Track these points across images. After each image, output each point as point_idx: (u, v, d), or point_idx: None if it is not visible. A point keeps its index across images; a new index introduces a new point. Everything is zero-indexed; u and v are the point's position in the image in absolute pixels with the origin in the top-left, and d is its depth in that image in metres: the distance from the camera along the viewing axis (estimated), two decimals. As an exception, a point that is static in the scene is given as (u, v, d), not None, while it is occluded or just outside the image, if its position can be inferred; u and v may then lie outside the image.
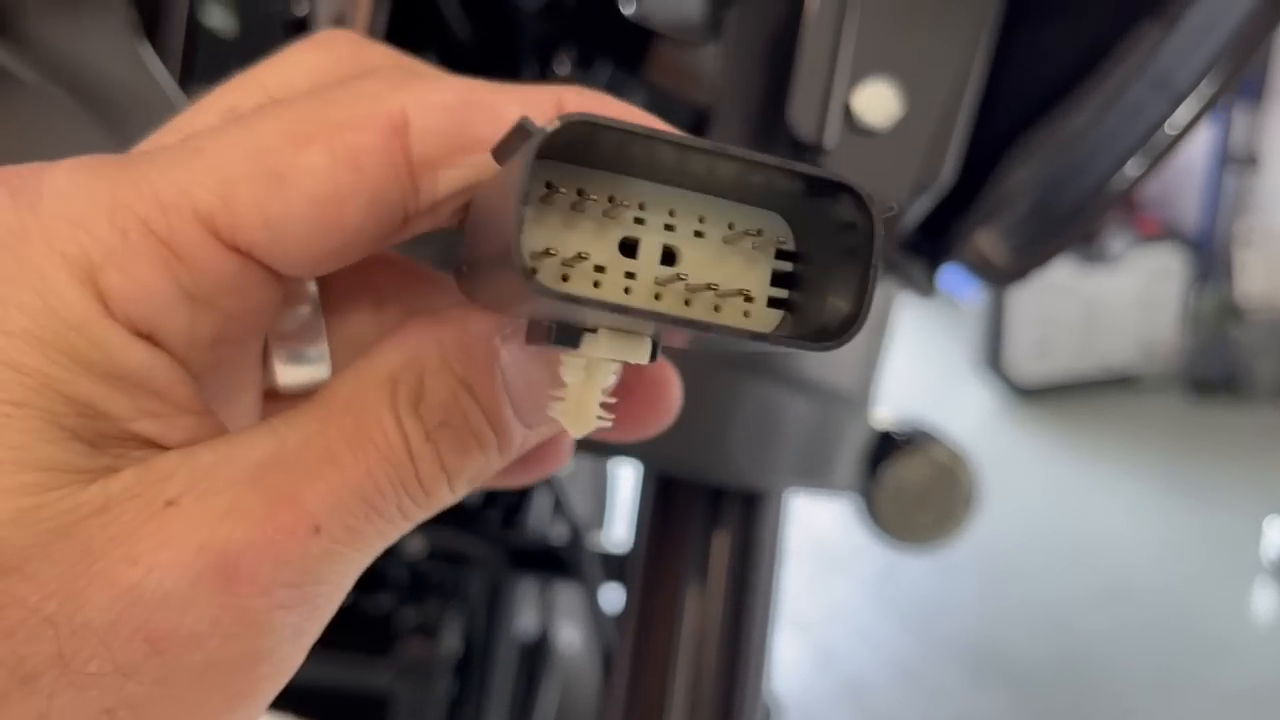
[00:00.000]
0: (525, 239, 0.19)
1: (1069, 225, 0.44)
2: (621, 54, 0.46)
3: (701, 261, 0.21)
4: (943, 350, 2.96)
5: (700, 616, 0.46)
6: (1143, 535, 2.26)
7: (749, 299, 0.21)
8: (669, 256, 0.21)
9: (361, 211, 0.21)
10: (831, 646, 1.96)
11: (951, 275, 0.46)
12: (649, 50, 0.44)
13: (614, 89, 0.50)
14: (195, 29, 0.55)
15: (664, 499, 0.46)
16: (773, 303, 0.21)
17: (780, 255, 0.21)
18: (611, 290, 0.21)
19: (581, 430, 0.23)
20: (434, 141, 0.21)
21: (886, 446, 0.58)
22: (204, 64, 0.59)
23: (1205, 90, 0.43)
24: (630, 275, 0.21)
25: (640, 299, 0.21)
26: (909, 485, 0.61)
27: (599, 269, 0.21)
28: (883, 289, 0.46)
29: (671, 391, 0.28)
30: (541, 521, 0.77)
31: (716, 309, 0.21)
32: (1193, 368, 2.83)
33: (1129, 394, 2.85)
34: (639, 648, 0.46)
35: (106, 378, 0.19)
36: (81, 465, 0.19)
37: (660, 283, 0.21)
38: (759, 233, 0.21)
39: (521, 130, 0.19)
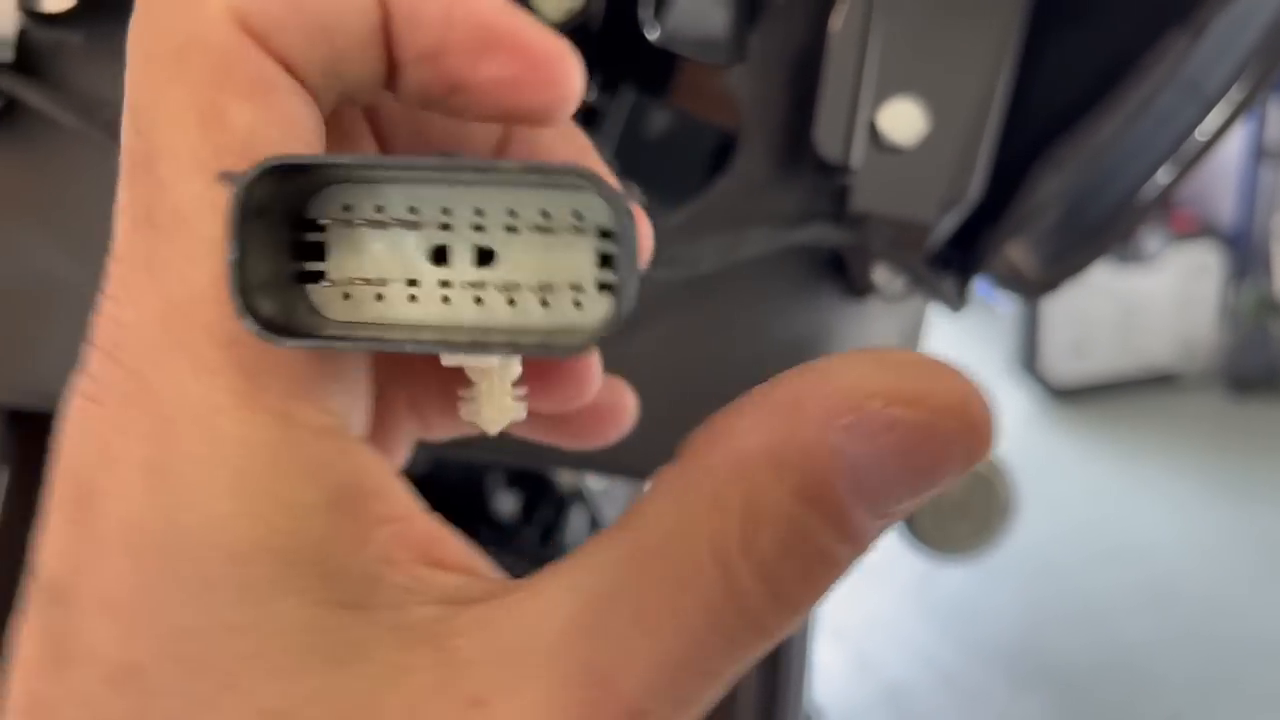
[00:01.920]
0: (251, 287, 0.18)
1: (1100, 235, 0.44)
2: (647, 78, 0.46)
3: (523, 256, 0.20)
4: (977, 353, 2.94)
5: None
6: (1185, 535, 2.23)
7: (578, 288, 0.20)
8: (488, 257, 0.20)
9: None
10: (870, 653, 1.95)
11: (977, 285, 0.46)
12: (674, 74, 0.44)
13: (638, 113, 0.51)
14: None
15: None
16: (606, 287, 0.20)
17: (606, 235, 0.19)
18: (427, 305, 0.20)
19: (494, 426, 0.22)
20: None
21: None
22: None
23: (1236, 95, 0.43)
24: (446, 284, 0.20)
25: (458, 310, 0.20)
26: (946, 496, 0.61)
27: (413, 283, 0.20)
28: (913, 302, 0.46)
29: (586, 385, 0.26)
30: (579, 539, 0.78)
31: (545, 304, 0.20)
32: (1232, 365, 2.79)
33: (1168, 393, 2.81)
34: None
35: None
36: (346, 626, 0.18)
37: (478, 286, 0.20)
38: (579, 215, 0.19)
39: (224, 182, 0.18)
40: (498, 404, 0.22)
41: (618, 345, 0.37)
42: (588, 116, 0.49)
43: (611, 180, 0.18)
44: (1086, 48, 0.42)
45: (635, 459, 0.39)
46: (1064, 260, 0.44)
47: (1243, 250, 2.81)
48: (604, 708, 0.17)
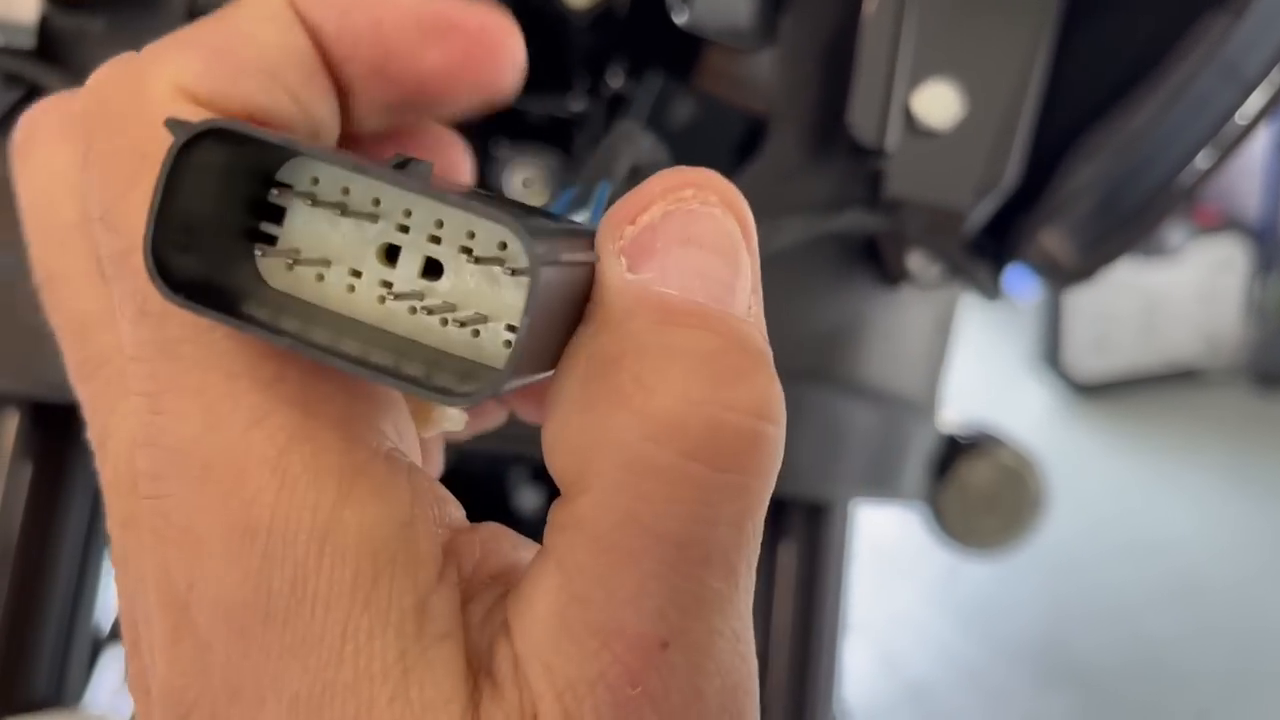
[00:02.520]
0: (173, 246, 0.18)
1: (1137, 222, 0.43)
2: (673, 63, 0.45)
3: (469, 282, 0.19)
4: (999, 349, 2.92)
5: (767, 630, 0.46)
6: (1211, 531, 2.21)
7: (511, 329, 0.19)
8: (436, 270, 0.19)
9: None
10: (894, 651, 1.94)
11: (1010, 273, 0.45)
12: (702, 59, 0.44)
13: (665, 99, 0.50)
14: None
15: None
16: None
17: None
18: (364, 299, 0.19)
19: (426, 430, 0.22)
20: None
21: (951, 451, 0.57)
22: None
23: (1277, 77, 0.42)
24: (388, 285, 0.19)
25: (391, 313, 0.19)
26: (975, 490, 0.60)
27: (356, 273, 0.19)
28: (947, 290, 0.46)
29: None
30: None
31: (476, 334, 0.19)
32: (1257, 360, 2.77)
33: (1192, 388, 2.79)
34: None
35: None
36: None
37: (417, 297, 0.19)
38: (504, 247, 0.19)
39: (170, 128, 0.18)
40: (428, 409, 0.22)
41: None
42: (614, 104, 0.48)
43: (529, 237, 0.17)
44: (1123, 30, 0.41)
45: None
46: (1100, 247, 0.43)
47: (1268, 244, 2.78)
48: (626, 651, 0.17)
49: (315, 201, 0.19)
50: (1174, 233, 2.70)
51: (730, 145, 0.66)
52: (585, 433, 0.18)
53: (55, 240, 0.21)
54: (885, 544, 2.14)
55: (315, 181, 0.19)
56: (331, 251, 0.19)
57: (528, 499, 0.81)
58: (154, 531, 0.19)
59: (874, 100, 0.35)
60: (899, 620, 2.01)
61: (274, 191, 0.19)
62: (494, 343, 0.19)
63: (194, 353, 0.19)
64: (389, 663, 0.18)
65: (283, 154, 0.19)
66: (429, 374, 0.18)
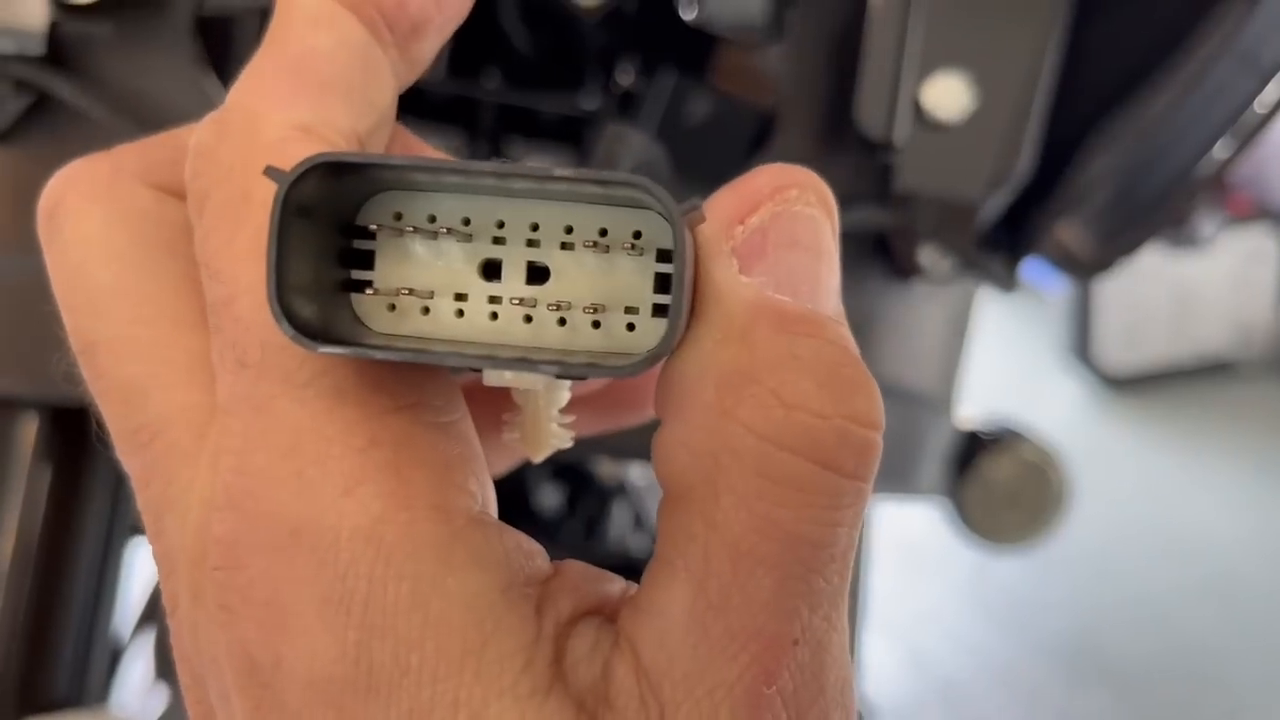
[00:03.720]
0: (290, 290, 0.18)
1: (1155, 213, 0.43)
2: (685, 60, 0.45)
3: (578, 275, 0.19)
4: (1027, 342, 2.90)
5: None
6: (1245, 526, 2.19)
7: (632, 310, 0.19)
8: (541, 275, 0.19)
9: None
10: (923, 649, 1.93)
11: (1034, 266, 0.45)
12: (713, 55, 0.44)
13: (679, 96, 0.50)
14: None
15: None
16: (661, 310, 0.19)
17: (665, 256, 0.19)
18: (475, 320, 0.19)
19: (539, 453, 0.22)
20: None
21: (973, 446, 0.57)
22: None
23: (1296, 65, 0.42)
24: (496, 300, 0.19)
25: (506, 328, 0.19)
26: (998, 485, 0.59)
27: (461, 297, 0.19)
28: (962, 285, 0.45)
29: (638, 394, 0.27)
30: (622, 533, 0.77)
31: (596, 325, 0.19)
32: (1292, 352, 2.73)
33: (1225, 381, 2.76)
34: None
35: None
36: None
37: (529, 304, 0.19)
38: (637, 235, 0.19)
39: (272, 176, 0.18)
40: (543, 430, 0.22)
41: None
42: (624, 101, 0.48)
43: (671, 199, 0.17)
44: (1139, 18, 0.41)
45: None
46: (1117, 239, 0.43)
47: (1301, 234, 2.74)
48: (763, 651, 0.18)
49: (404, 233, 0.19)
50: (1205, 223, 2.67)
51: (744, 141, 0.65)
52: (716, 439, 0.18)
53: (93, 307, 0.21)
54: (913, 540, 2.13)
55: (399, 216, 0.19)
56: (430, 282, 0.19)
57: (548, 497, 0.81)
58: (227, 607, 0.18)
59: (882, 94, 0.35)
60: (927, 617, 2.00)
61: (365, 234, 0.19)
62: (616, 328, 0.19)
63: (289, 411, 0.18)
64: None
65: (374, 186, 0.19)
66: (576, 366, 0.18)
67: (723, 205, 0.19)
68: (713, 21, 0.43)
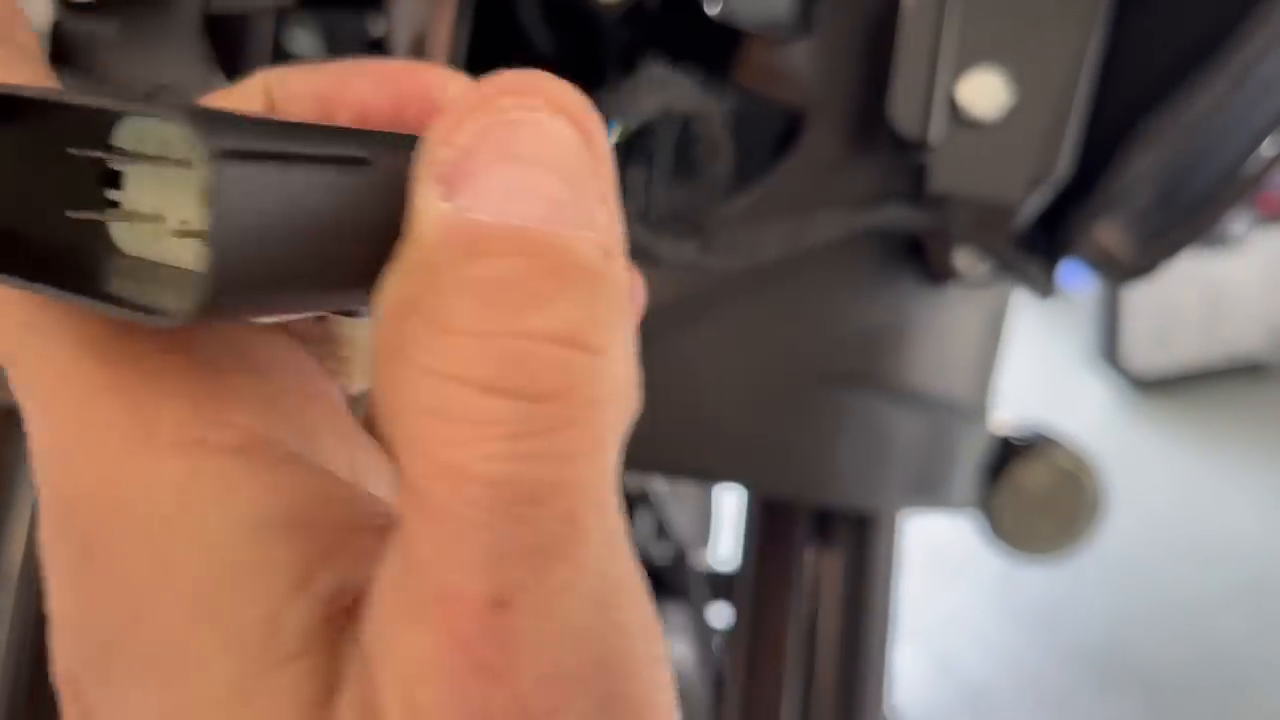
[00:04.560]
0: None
1: (1199, 214, 0.41)
2: (709, 57, 0.44)
3: (144, 187, 0.18)
4: (1055, 344, 2.87)
5: (813, 643, 0.44)
6: (1277, 529, 2.15)
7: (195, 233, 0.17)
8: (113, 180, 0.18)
9: None
10: (951, 654, 1.91)
11: (1067, 267, 0.43)
12: (737, 51, 0.42)
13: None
14: (280, 57, 0.55)
15: (770, 521, 0.44)
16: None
17: None
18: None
19: (355, 385, 0.22)
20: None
21: (1005, 453, 0.55)
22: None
23: (1348, 59, 0.40)
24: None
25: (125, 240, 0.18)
26: (1031, 493, 0.58)
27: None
28: (997, 288, 0.44)
29: None
30: (645, 541, 0.76)
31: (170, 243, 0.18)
32: (1325, 352, 2.69)
33: (1257, 382, 2.72)
34: (751, 680, 0.44)
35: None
36: None
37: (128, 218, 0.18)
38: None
39: None
40: (346, 361, 0.21)
41: (677, 336, 0.35)
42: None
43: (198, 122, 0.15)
44: (1182, 13, 0.39)
45: (701, 460, 0.37)
46: (1160, 241, 0.41)
47: (1335, 233, 2.70)
48: (458, 617, 0.15)
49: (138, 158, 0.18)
50: (1237, 222, 2.63)
51: (771, 141, 0.64)
52: (392, 385, 0.16)
53: None
54: (940, 544, 2.11)
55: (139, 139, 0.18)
56: (158, 205, 0.18)
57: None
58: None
59: (916, 91, 0.34)
60: (955, 622, 1.98)
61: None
62: (186, 251, 0.18)
63: (40, 371, 0.18)
64: (224, 689, 0.16)
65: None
66: (144, 294, 0.17)
67: (432, 128, 0.17)
68: (738, 17, 0.42)
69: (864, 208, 0.34)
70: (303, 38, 0.69)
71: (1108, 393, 2.70)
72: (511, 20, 0.49)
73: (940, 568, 2.08)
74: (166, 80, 0.34)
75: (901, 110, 0.34)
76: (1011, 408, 0.66)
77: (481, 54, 0.50)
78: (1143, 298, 2.65)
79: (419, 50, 0.48)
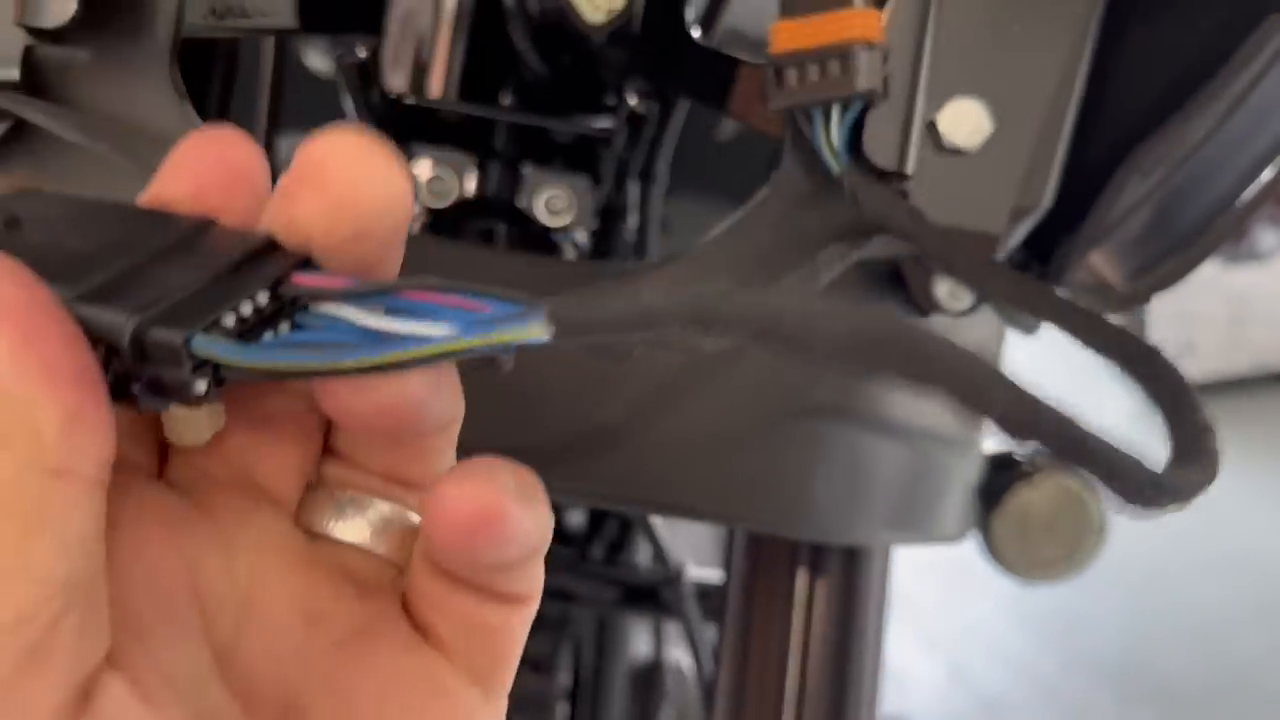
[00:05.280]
0: None
1: (1195, 243, 0.40)
2: (702, 86, 0.43)
3: None
4: (1074, 352, 2.83)
5: (802, 675, 0.44)
6: (1302, 543, 2.13)
7: None
8: None
9: None
10: (966, 664, 1.90)
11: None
12: (732, 81, 0.42)
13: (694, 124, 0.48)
14: (281, 77, 0.54)
15: (758, 546, 0.44)
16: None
17: None
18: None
19: (180, 439, 0.22)
20: None
21: (1005, 470, 0.54)
22: (308, 105, 0.59)
23: (1350, 83, 0.39)
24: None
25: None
26: (1033, 515, 0.57)
27: None
28: (991, 315, 0.43)
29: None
30: (647, 557, 0.75)
31: None
32: (1353, 362, 2.65)
33: (1283, 392, 2.69)
34: (738, 709, 0.44)
35: None
36: None
37: None
38: None
39: None
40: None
41: (650, 368, 0.34)
42: (633, 122, 0.47)
43: None
44: (1178, 34, 0.38)
45: (681, 497, 0.36)
46: (1154, 271, 0.40)
47: (1364, 241, 2.66)
48: None
49: None
50: (1265, 235, 2.60)
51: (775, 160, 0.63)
52: None
53: None
54: (957, 553, 2.08)
55: None
56: None
57: (574, 516, 0.80)
58: None
59: (893, 120, 0.33)
60: (971, 632, 1.96)
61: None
62: None
63: None
64: None
65: None
66: None
67: None
68: (729, 43, 0.41)
69: (850, 240, 0.34)
70: (314, 57, 0.69)
71: (1129, 402, 2.67)
72: (504, 44, 0.49)
73: (956, 576, 2.07)
74: (138, 112, 0.34)
75: (876, 140, 0.33)
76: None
77: (474, 78, 0.49)
78: (1167, 306, 2.62)
79: (419, 73, 0.48)
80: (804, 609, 0.43)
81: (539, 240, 0.52)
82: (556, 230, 0.52)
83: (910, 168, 0.33)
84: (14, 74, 0.33)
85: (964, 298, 0.36)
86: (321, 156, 0.20)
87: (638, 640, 0.86)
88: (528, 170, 0.51)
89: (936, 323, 0.37)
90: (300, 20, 0.40)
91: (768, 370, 0.35)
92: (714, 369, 0.35)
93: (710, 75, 0.43)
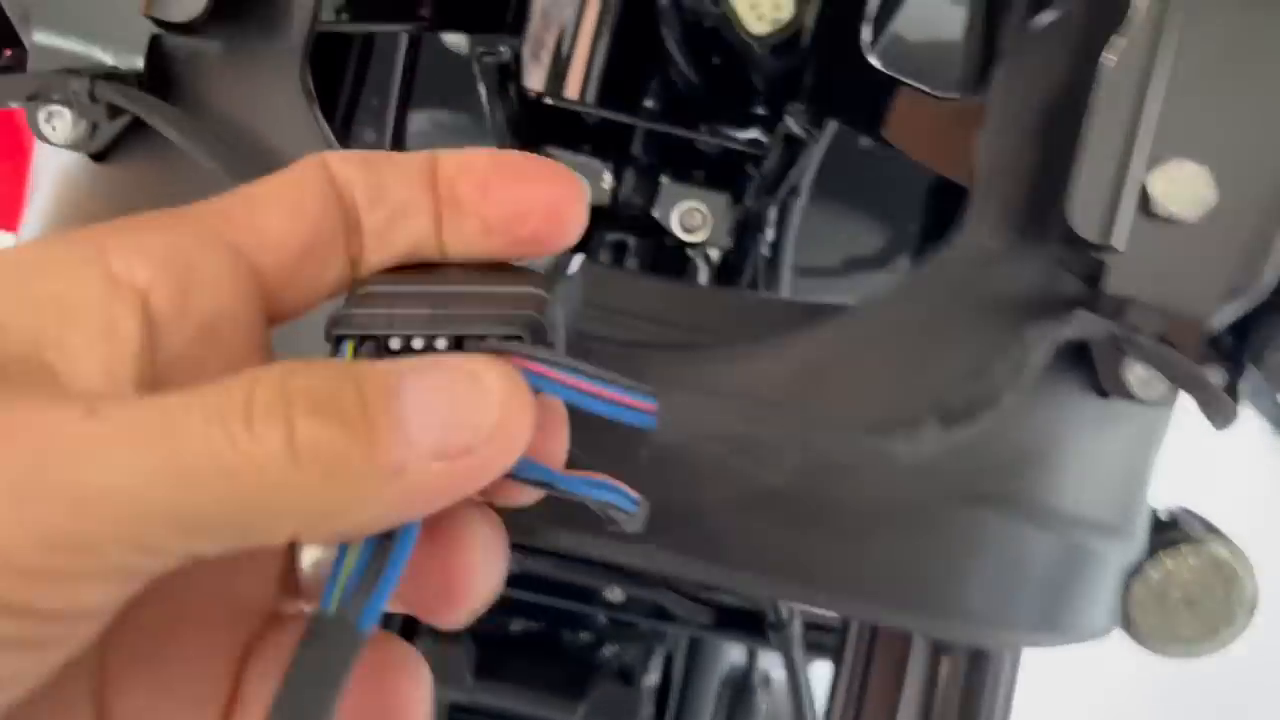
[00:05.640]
0: None
1: None
2: (855, 107, 0.39)
3: None
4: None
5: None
6: None
7: None
8: None
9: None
10: None
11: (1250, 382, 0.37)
12: (889, 104, 0.38)
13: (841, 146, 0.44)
14: (415, 61, 0.52)
15: (871, 644, 0.40)
16: None
17: None
18: None
19: None
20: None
21: (1154, 533, 0.49)
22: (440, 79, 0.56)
23: None
24: None
25: None
26: (1176, 588, 0.52)
27: None
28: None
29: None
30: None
31: None
32: None
33: None
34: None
35: None
36: None
37: None
38: None
39: None
40: None
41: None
42: (790, 145, 0.43)
43: None
44: None
45: (828, 581, 0.33)
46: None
47: None
48: None
49: None
50: None
51: (924, 180, 0.59)
52: None
53: None
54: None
55: None
56: None
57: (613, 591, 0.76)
58: None
59: (1102, 187, 0.29)
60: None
61: None
62: None
63: None
64: None
65: None
66: None
67: None
68: (901, 64, 0.37)
69: (1060, 317, 0.30)
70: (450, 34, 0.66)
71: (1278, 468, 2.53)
72: (652, 42, 0.46)
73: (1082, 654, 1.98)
74: (263, 113, 0.31)
75: (1083, 207, 0.29)
76: (1163, 481, 0.60)
77: (615, 79, 0.47)
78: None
79: (557, 73, 0.45)
80: (922, 705, 0.39)
81: (671, 255, 0.49)
82: (690, 246, 0.49)
83: (1119, 239, 0.29)
84: (139, 63, 0.31)
85: (1158, 386, 0.32)
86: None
87: (731, 650, 0.84)
88: (665, 181, 0.48)
89: (1117, 407, 0.33)
90: (436, 19, 0.37)
91: (936, 449, 0.31)
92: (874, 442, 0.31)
93: (866, 96, 0.39)
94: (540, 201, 0.23)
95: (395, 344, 0.21)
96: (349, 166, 0.23)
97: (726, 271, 0.55)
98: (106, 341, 0.19)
